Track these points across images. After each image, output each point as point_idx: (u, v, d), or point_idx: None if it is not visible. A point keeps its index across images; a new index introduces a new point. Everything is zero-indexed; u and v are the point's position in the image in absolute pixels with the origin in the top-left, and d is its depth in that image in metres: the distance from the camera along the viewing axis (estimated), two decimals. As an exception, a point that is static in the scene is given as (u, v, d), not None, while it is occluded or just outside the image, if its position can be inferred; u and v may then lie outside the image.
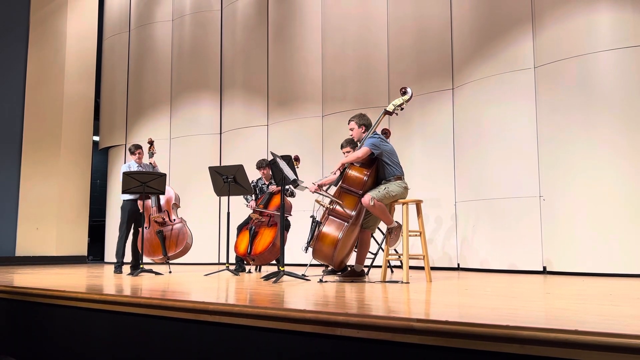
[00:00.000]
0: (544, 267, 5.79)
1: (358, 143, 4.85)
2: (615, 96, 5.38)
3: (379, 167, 4.60)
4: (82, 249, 10.44)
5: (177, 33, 9.85)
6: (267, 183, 6.34)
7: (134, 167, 6.26)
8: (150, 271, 5.80)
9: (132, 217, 6.18)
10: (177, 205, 6.62)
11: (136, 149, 6.31)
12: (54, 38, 10.57)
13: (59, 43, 10.55)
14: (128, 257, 6.31)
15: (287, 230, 6.16)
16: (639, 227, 5.16)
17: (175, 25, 9.92)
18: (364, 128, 4.82)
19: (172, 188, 6.70)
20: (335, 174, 4.78)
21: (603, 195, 5.35)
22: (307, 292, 3.55)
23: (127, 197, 6.14)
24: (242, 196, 6.38)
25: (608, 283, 4.40)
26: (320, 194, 4.78)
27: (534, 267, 5.83)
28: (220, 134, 9.33)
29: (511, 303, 2.88)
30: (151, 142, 6.58)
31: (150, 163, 6.37)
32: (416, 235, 4.62)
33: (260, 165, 6.34)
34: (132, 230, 6.25)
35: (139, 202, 6.16)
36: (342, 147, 5.20)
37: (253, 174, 6.48)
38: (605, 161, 5.37)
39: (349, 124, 4.90)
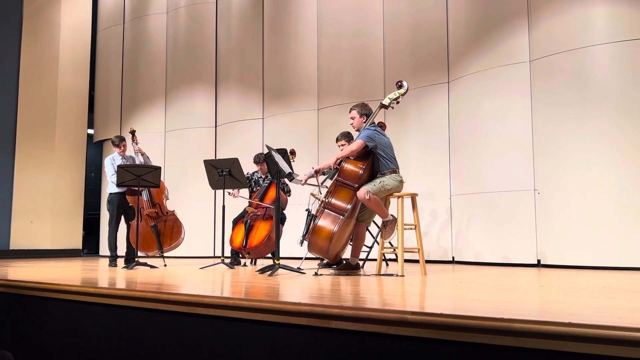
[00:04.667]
0: (538, 260, 5.81)
1: (357, 132, 4.83)
2: (610, 90, 5.39)
3: (375, 160, 4.60)
4: (76, 243, 10.41)
5: (172, 25, 9.80)
6: (263, 177, 6.33)
7: (118, 160, 6.20)
8: (145, 264, 5.79)
9: (121, 210, 6.14)
10: (167, 197, 6.59)
11: (120, 141, 6.21)
12: (47, 30, 10.49)
13: (52, 35, 10.47)
14: (121, 250, 6.30)
15: (283, 224, 6.15)
16: (633, 220, 5.19)
17: (170, 18, 9.86)
18: (365, 118, 4.80)
19: (161, 180, 6.67)
20: (332, 168, 4.78)
21: (597, 188, 5.38)
22: (302, 285, 3.55)
23: (115, 190, 6.09)
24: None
25: (602, 276, 4.42)
26: (316, 185, 4.79)
27: (529, 260, 5.86)
28: (216, 127, 9.30)
29: (505, 296, 2.89)
30: (133, 132, 6.47)
31: (137, 151, 6.30)
32: (411, 228, 4.63)
33: (258, 160, 6.31)
34: (123, 224, 6.23)
35: (129, 197, 6.12)
36: (337, 140, 5.21)
37: (248, 167, 6.47)
38: (599, 155, 5.39)
39: (350, 112, 4.87)
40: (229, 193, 6.15)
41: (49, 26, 10.50)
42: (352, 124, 4.86)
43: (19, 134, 10.26)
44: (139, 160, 6.27)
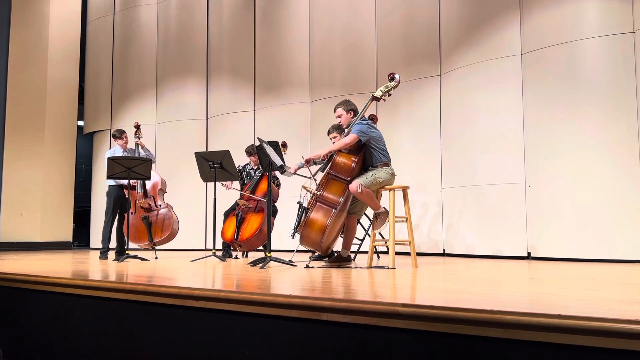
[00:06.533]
0: (529, 253, 5.85)
1: (346, 129, 4.85)
2: (601, 83, 5.42)
3: (366, 153, 4.61)
4: (67, 235, 10.35)
5: (163, 16, 9.72)
6: (254, 168, 6.31)
7: (119, 153, 6.19)
8: (136, 257, 5.78)
9: (118, 202, 6.13)
10: (163, 191, 6.57)
11: (121, 134, 6.24)
12: (37, 21, 10.36)
13: (42, 25, 10.34)
14: (113, 243, 6.28)
15: (274, 216, 6.15)
16: (622, 213, 5.23)
17: (160, 9, 9.77)
18: (352, 113, 4.83)
19: (159, 173, 6.64)
20: (322, 159, 4.78)
21: (587, 181, 5.41)
22: (293, 278, 3.55)
23: (113, 182, 6.09)
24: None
25: (591, 268, 4.46)
26: (308, 177, 4.81)
27: (519, 252, 5.89)
28: (207, 119, 9.26)
29: (496, 288, 2.90)
30: (137, 126, 6.48)
31: (137, 144, 6.29)
32: (402, 221, 4.64)
33: (251, 151, 6.29)
34: (117, 216, 6.21)
35: (126, 190, 6.10)
36: (328, 133, 5.19)
37: (239, 159, 6.45)
38: (590, 148, 5.42)
39: (335, 111, 4.90)
40: (222, 184, 6.14)
41: (38, 17, 10.37)
42: (340, 122, 4.88)
43: (8, 125, 10.14)
44: (141, 154, 6.25)
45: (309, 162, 4.78)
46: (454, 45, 6.63)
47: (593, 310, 2.00)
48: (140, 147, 6.28)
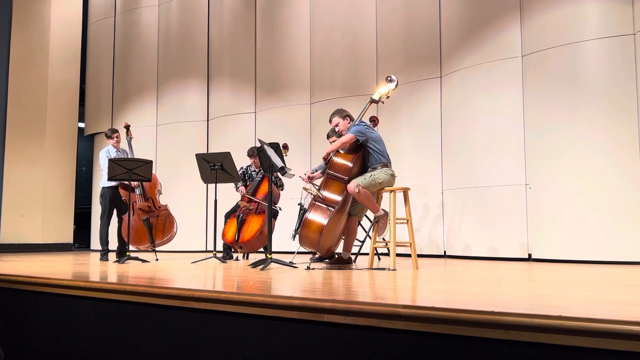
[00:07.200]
0: (529, 255, 5.85)
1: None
2: (602, 85, 5.42)
3: (365, 154, 4.61)
4: (67, 237, 10.35)
5: (164, 18, 9.73)
6: (256, 170, 6.32)
7: (113, 152, 6.19)
8: (137, 258, 5.77)
9: (113, 204, 6.12)
10: (160, 192, 6.57)
11: (113, 132, 6.24)
12: (38, 22, 10.38)
13: (43, 28, 10.36)
14: (113, 244, 6.27)
15: (275, 218, 6.15)
16: (623, 215, 5.23)
17: (161, 11, 9.79)
18: (348, 119, 4.85)
19: (154, 174, 6.64)
20: (324, 162, 4.79)
21: (588, 183, 5.41)
22: (294, 279, 3.55)
23: (107, 184, 6.06)
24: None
25: (592, 270, 4.45)
26: (312, 183, 4.82)
27: (520, 254, 5.89)
28: (208, 120, 9.26)
29: (496, 289, 2.90)
30: (127, 127, 6.51)
31: (130, 144, 6.38)
32: (403, 222, 4.64)
33: (252, 153, 6.30)
34: (115, 218, 6.20)
35: (122, 191, 6.10)
36: (328, 137, 5.20)
37: (240, 161, 6.45)
38: (591, 150, 5.42)
39: (331, 121, 4.91)
40: (236, 190, 6.21)
41: (39, 19, 10.39)
42: (339, 130, 4.88)
43: (8, 127, 10.15)
44: (128, 154, 6.30)
45: (311, 180, 4.85)
46: (454, 47, 6.63)
47: (594, 311, 2.00)
48: (130, 147, 6.35)
